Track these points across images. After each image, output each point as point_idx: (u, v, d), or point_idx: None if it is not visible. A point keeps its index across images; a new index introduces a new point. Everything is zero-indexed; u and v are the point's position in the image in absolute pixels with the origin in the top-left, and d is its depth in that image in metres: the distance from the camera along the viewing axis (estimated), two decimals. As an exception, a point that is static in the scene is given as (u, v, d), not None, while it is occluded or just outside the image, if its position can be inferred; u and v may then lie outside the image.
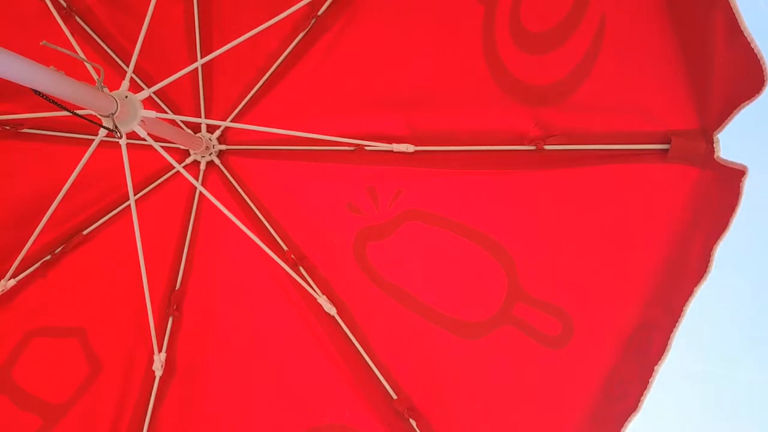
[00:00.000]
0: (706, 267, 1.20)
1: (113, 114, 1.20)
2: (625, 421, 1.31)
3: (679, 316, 1.25)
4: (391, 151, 1.58)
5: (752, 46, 1.01)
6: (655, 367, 1.28)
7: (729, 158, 1.16)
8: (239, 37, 1.40)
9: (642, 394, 1.29)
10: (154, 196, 1.85)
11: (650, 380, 1.28)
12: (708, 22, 1.07)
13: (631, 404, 1.30)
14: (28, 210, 1.72)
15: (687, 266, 1.25)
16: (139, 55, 1.39)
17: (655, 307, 1.31)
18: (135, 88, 1.37)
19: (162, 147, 1.47)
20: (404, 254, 1.65)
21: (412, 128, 1.58)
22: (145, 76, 1.76)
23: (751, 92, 1.05)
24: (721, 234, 1.17)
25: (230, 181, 1.83)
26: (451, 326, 1.57)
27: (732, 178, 1.14)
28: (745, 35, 1.01)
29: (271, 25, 1.42)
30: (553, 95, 1.36)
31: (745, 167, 1.13)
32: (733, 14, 1.01)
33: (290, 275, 1.67)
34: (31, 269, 1.77)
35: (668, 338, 1.26)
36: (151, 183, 1.85)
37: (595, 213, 1.39)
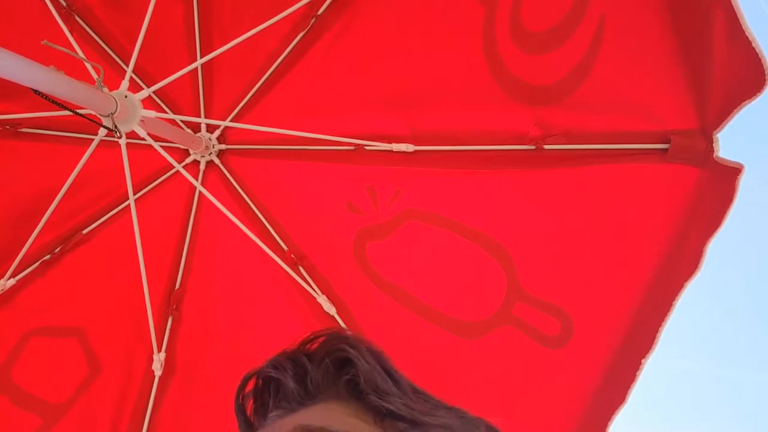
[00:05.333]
0: (698, 263, 1.21)
1: (113, 114, 1.20)
2: (613, 413, 1.32)
3: (669, 311, 1.27)
4: (391, 151, 1.58)
5: (753, 45, 1.01)
6: (643, 360, 1.29)
7: (728, 157, 1.17)
8: (239, 36, 1.40)
9: (629, 387, 1.30)
10: (154, 196, 1.85)
11: (637, 373, 1.29)
12: (708, 21, 1.07)
13: (618, 397, 1.32)
14: (27, 210, 1.72)
15: (678, 263, 1.26)
16: (139, 54, 1.39)
17: (649, 303, 1.32)
18: (135, 87, 1.36)
19: (162, 146, 1.47)
20: (403, 254, 1.65)
21: (411, 128, 1.58)
22: (145, 75, 1.76)
23: (751, 91, 1.05)
24: (715, 230, 1.18)
25: (230, 181, 1.83)
26: (450, 326, 1.57)
27: (728, 175, 1.14)
28: (747, 34, 1.01)
29: (271, 25, 1.43)
30: (553, 95, 1.36)
31: (741, 165, 1.14)
32: (734, 13, 1.01)
33: (290, 275, 1.67)
34: (31, 269, 1.77)
35: (657, 332, 1.28)
36: (151, 183, 1.85)
37: (594, 212, 1.39)
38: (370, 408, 0.44)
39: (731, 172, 1.14)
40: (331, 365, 0.46)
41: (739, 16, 1.01)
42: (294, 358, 0.48)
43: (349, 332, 0.48)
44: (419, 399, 0.46)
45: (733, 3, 1.01)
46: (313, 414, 0.44)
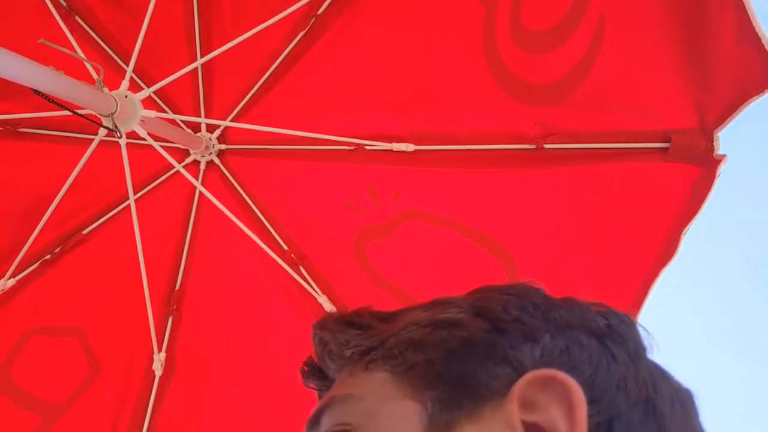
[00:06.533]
0: (675, 250, 1.22)
1: (113, 114, 1.20)
2: None
3: (644, 298, 1.30)
4: (391, 151, 1.58)
5: (763, 41, 1.01)
6: None
7: (731, 157, 1.17)
8: (239, 36, 1.40)
9: None
10: (154, 196, 1.85)
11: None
12: (714, 19, 1.07)
13: None
14: (27, 210, 1.72)
15: (657, 250, 1.27)
16: (139, 54, 1.39)
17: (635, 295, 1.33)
18: (135, 87, 1.36)
19: (162, 146, 1.47)
20: (404, 254, 1.65)
21: (412, 127, 1.58)
22: (145, 75, 1.76)
23: (756, 89, 1.05)
24: (692, 217, 1.19)
25: (230, 181, 1.83)
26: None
27: (712, 165, 1.15)
28: (757, 31, 1.01)
29: (271, 25, 1.43)
30: (553, 94, 1.36)
31: (724, 155, 1.15)
32: (746, 10, 1.01)
33: (290, 275, 1.67)
34: (31, 269, 1.77)
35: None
36: (151, 183, 1.85)
37: (595, 212, 1.39)
38: (355, 361, 0.47)
39: (714, 162, 1.15)
40: (319, 351, 0.51)
41: (750, 14, 1.01)
42: (308, 362, 0.53)
43: (329, 312, 0.51)
44: (385, 322, 0.48)
45: (745, 2, 1.01)
46: (328, 392, 0.49)
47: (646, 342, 0.44)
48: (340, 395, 0.45)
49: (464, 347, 0.42)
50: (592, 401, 0.37)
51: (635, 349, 0.42)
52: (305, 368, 0.53)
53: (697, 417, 0.42)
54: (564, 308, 0.45)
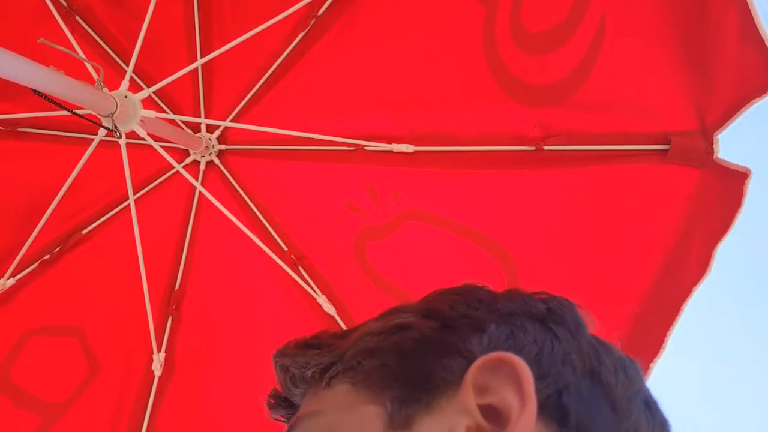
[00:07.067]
0: (706, 267, 1.21)
1: (113, 114, 1.20)
2: None
3: (677, 315, 1.27)
4: (391, 151, 1.58)
5: (766, 43, 1.00)
6: (651, 365, 1.29)
7: (731, 159, 1.17)
8: (239, 37, 1.40)
9: None
10: (154, 196, 1.85)
11: (646, 378, 1.29)
12: (716, 20, 1.07)
13: None
14: (27, 210, 1.72)
15: (686, 266, 1.26)
16: (139, 54, 1.39)
17: (654, 306, 1.32)
18: (135, 87, 1.36)
19: (162, 147, 1.47)
20: (404, 254, 1.65)
21: (411, 128, 1.58)
22: (145, 75, 1.76)
23: (758, 91, 1.05)
24: (723, 235, 1.18)
25: (230, 181, 1.83)
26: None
27: (734, 180, 1.14)
28: (761, 32, 1.01)
29: (272, 25, 1.42)
30: (553, 96, 1.36)
31: (748, 170, 1.13)
32: (749, 12, 1.01)
33: (290, 275, 1.67)
34: (31, 268, 1.77)
35: (665, 337, 1.28)
36: (151, 183, 1.85)
37: (594, 213, 1.39)
38: (317, 381, 0.49)
39: (738, 177, 1.14)
40: (282, 378, 0.53)
41: (753, 14, 1.01)
42: (273, 393, 0.55)
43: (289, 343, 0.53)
44: (342, 339, 0.50)
45: (749, 2, 1.01)
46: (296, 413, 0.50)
47: (585, 320, 0.46)
48: (305, 413, 0.47)
49: (417, 347, 0.44)
50: (540, 377, 0.39)
51: (575, 328, 0.45)
52: (271, 400, 0.55)
53: (642, 382, 0.46)
54: (506, 299, 0.47)
